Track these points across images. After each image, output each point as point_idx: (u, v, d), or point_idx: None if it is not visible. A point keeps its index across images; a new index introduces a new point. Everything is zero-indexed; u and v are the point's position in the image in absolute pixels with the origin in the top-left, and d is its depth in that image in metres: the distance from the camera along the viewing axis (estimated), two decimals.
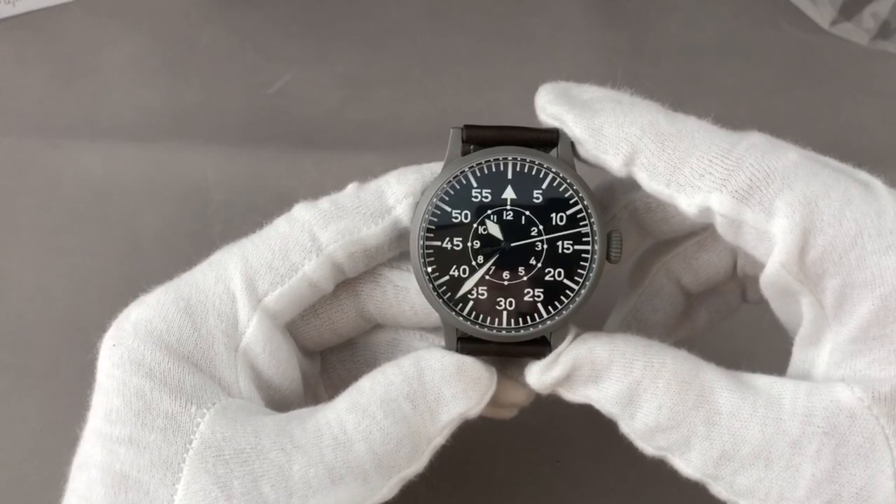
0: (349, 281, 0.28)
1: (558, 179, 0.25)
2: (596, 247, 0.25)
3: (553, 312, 0.25)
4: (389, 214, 0.26)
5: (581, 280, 0.25)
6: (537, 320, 0.25)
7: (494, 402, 0.26)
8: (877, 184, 0.25)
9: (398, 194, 0.26)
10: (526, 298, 0.25)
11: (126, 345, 0.24)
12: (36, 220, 0.45)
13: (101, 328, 0.25)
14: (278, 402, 0.27)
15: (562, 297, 0.25)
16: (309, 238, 0.26)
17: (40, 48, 0.55)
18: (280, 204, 0.27)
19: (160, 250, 0.44)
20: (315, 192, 0.27)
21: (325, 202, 0.26)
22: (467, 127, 0.26)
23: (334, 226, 0.26)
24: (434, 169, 0.26)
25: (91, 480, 0.23)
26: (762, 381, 0.25)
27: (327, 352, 0.30)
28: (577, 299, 0.25)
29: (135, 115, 0.51)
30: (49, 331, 0.40)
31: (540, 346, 0.26)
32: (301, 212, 0.26)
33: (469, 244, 0.25)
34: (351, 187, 0.27)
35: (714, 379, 0.24)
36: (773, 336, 0.29)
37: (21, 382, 0.38)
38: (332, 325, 0.28)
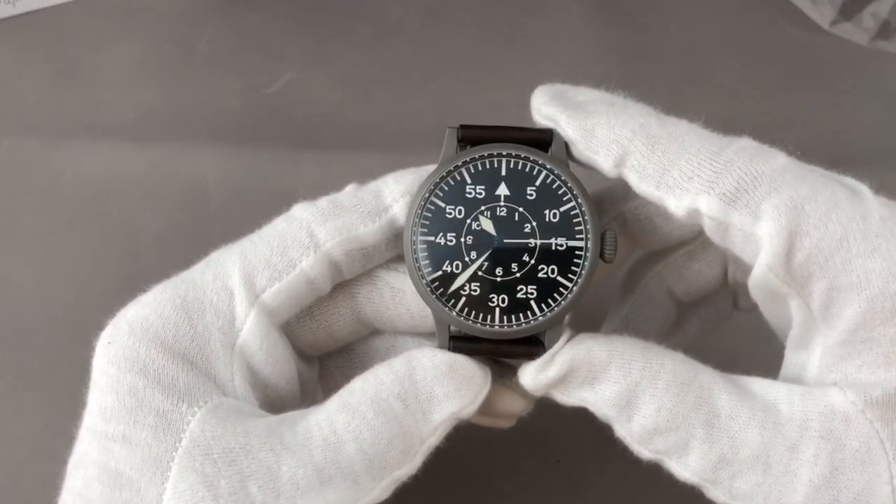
0: (346, 283, 0.28)
1: (552, 177, 0.25)
2: (589, 244, 0.25)
3: (546, 310, 0.25)
4: (386, 213, 0.26)
5: (574, 278, 0.25)
6: (530, 317, 0.25)
7: (492, 411, 0.26)
8: (862, 188, 0.25)
9: (395, 193, 0.26)
10: (519, 295, 0.25)
11: (121, 342, 0.24)
12: (36, 220, 0.45)
13: (101, 328, 0.25)
14: (274, 402, 0.27)
15: (555, 295, 0.25)
16: (307, 235, 0.26)
17: (40, 48, 0.55)
18: (280, 204, 0.27)
19: (160, 250, 0.44)
20: (315, 192, 0.27)
21: (323, 201, 0.26)
22: (463, 127, 0.26)
23: (332, 223, 0.26)
24: (430, 169, 0.26)
25: (88, 478, 0.23)
26: (757, 385, 0.25)
27: (325, 358, 0.30)
28: (570, 297, 0.25)
29: (135, 115, 0.51)
30: (49, 331, 0.40)
31: (534, 346, 0.25)
32: (300, 210, 0.26)
33: (462, 239, 0.25)
34: (350, 188, 0.27)
35: (712, 381, 0.24)
36: (769, 340, 0.29)
37: (21, 382, 0.39)
38: (328, 328, 0.28)
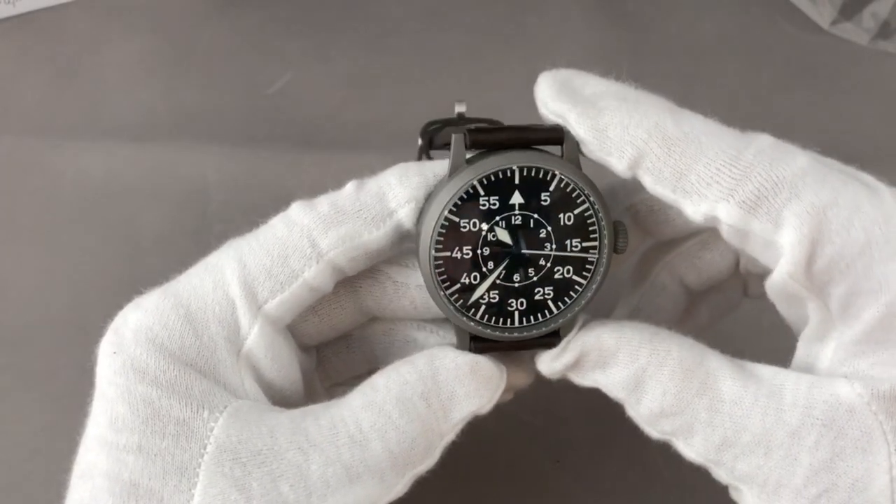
0: (348, 278, 0.27)
1: (565, 181, 0.25)
2: (605, 241, 0.25)
3: (563, 308, 0.25)
4: (391, 218, 0.25)
5: (589, 275, 0.25)
6: (548, 317, 0.25)
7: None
8: (882, 187, 0.24)
9: (400, 198, 0.25)
10: (536, 297, 0.25)
11: (127, 353, 0.24)
12: (36, 220, 0.45)
13: (101, 329, 0.25)
14: (280, 402, 0.27)
15: (571, 293, 0.25)
16: (309, 244, 0.25)
17: (40, 48, 0.55)
18: (280, 204, 0.27)
19: (160, 250, 0.44)
20: (315, 192, 0.27)
21: (323, 204, 0.25)
22: (470, 131, 0.25)
23: (335, 231, 0.25)
24: (435, 169, 0.26)
25: (96, 490, 0.23)
26: (765, 371, 0.25)
27: (322, 346, 0.30)
28: (587, 294, 0.25)
29: (135, 115, 0.51)
30: (49, 331, 0.40)
31: (551, 337, 0.26)
32: (299, 214, 0.25)
33: (479, 251, 0.25)
34: (350, 186, 0.26)
35: (718, 367, 0.25)
36: (773, 335, 0.29)
37: (21, 382, 0.38)
38: (330, 322, 0.28)
